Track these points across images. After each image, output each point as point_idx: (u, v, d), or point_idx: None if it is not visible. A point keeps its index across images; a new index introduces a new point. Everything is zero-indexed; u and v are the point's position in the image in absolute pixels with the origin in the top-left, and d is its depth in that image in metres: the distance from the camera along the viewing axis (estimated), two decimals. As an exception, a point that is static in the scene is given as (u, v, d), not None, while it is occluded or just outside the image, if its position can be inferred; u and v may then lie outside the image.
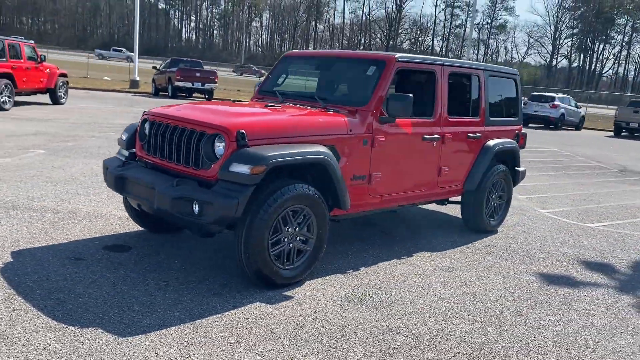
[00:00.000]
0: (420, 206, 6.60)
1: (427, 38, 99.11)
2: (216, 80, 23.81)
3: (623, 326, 3.90)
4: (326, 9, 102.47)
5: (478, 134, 5.58)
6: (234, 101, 5.09)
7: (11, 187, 6.09)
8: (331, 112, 4.45)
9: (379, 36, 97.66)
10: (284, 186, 3.82)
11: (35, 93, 15.04)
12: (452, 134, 5.27)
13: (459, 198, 5.84)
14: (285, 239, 3.92)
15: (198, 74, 23.08)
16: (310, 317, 3.55)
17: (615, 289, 4.66)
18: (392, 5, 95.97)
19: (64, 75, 16.17)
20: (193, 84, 22.86)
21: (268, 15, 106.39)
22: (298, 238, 4.00)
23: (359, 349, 3.20)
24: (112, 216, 5.36)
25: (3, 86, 13.06)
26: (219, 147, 3.76)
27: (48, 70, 15.32)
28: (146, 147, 4.33)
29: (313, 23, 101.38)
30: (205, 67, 26.24)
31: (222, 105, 4.55)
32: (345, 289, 4.10)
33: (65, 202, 5.68)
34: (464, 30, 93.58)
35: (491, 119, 5.78)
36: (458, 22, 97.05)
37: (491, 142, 5.74)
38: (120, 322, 3.24)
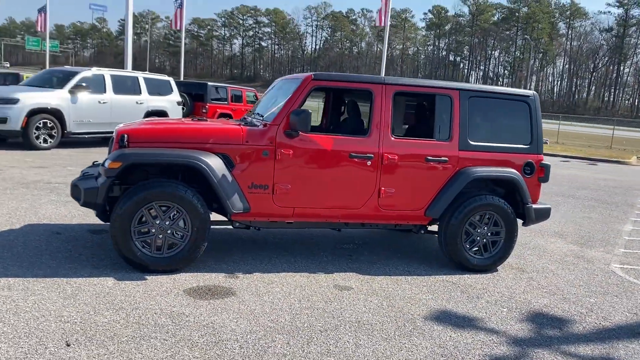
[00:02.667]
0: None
1: None
2: None
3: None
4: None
5: (443, 158, 5.15)
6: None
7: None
8: (236, 125, 4.88)
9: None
10: (150, 182, 4.44)
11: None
12: (399, 156, 5.04)
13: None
14: (153, 230, 4.50)
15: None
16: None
17: None
18: None
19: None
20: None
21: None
22: (170, 231, 4.53)
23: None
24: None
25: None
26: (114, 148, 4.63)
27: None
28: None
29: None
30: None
31: (168, 120, 5.40)
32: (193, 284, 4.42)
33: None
34: None
35: (473, 143, 5.25)
36: None
37: (471, 169, 5.20)
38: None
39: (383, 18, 28.28)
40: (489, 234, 5.37)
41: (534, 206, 5.51)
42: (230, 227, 5.05)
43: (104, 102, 12.47)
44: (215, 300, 4.05)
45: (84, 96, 12.11)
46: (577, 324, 4.24)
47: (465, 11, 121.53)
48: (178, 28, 35.42)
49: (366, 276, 4.93)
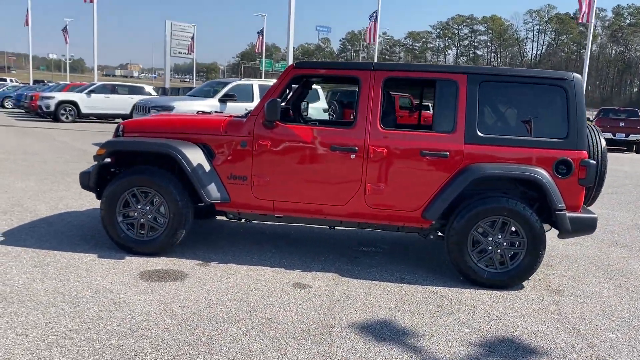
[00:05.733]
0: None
1: None
2: None
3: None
4: None
5: (443, 152, 4.50)
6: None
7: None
8: (224, 117, 4.95)
9: None
10: (133, 169, 4.78)
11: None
12: (388, 149, 4.56)
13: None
14: (136, 214, 4.81)
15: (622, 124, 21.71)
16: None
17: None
18: None
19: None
20: (615, 135, 21.64)
21: None
22: (151, 216, 4.80)
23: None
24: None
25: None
26: (118, 138, 5.10)
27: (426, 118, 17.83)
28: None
29: None
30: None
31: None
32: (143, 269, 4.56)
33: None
34: None
35: (483, 135, 4.49)
36: None
37: (478, 166, 4.46)
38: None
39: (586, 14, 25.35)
40: (504, 243, 4.51)
41: (572, 214, 4.46)
42: (243, 219, 5.06)
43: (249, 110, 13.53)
44: (157, 283, 4.18)
45: (232, 104, 13.30)
46: None
47: None
48: (372, 42, 36.59)
49: (343, 278, 4.56)
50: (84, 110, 21.36)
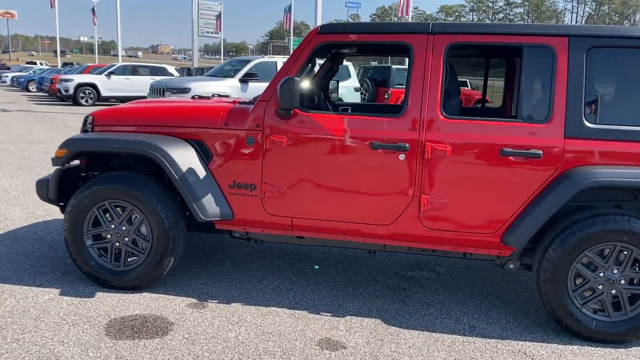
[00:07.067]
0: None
1: None
2: None
3: None
4: None
5: (534, 151, 3.12)
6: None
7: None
8: (224, 104, 3.65)
9: None
10: (104, 176, 3.55)
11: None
12: (453, 146, 3.21)
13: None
14: (109, 235, 3.58)
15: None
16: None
17: None
18: None
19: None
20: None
21: None
22: (128, 238, 3.57)
23: None
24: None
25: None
26: (87, 132, 3.85)
27: (467, 96, 16.36)
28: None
29: None
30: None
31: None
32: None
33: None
34: None
35: (593, 126, 3.09)
36: None
37: (587, 170, 3.06)
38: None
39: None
40: (621, 281, 3.13)
41: None
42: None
43: (273, 89, 12.23)
44: (127, 343, 2.95)
45: (254, 84, 12.00)
46: None
47: None
48: (405, 15, 34.74)
49: (390, 329, 3.25)
50: (104, 93, 20.34)
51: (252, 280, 3.89)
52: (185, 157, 3.44)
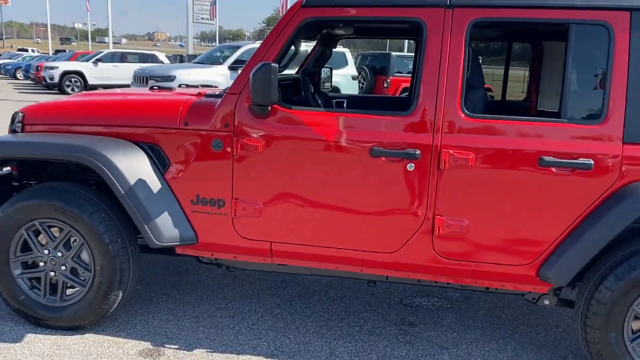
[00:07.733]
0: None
1: None
2: None
3: None
4: None
5: (584, 161, 2.39)
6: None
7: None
8: (186, 97, 2.90)
9: None
10: (36, 188, 2.81)
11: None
12: (476, 152, 2.47)
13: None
14: (43, 263, 2.85)
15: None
16: None
17: None
18: None
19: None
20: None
21: None
22: (65, 266, 2.83)
23: None
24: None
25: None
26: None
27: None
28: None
29: None
30: None
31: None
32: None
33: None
34: None
35: (666, 128, 2.37)
36: None
37: (654, 186, 2.34)
38: None
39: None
40: (693, 329, 2.43)
41: None
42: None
43: (264, 78, 11.48)
44: (49, 413, 2.23)
45: (244, 72, 11.24)
46: None
47: None
48: None
49: (394, 386, 2.54)
50: (90, 81, 19.43)
51: (224, 314, 3.17)
52: (133, 165, 2.70)
